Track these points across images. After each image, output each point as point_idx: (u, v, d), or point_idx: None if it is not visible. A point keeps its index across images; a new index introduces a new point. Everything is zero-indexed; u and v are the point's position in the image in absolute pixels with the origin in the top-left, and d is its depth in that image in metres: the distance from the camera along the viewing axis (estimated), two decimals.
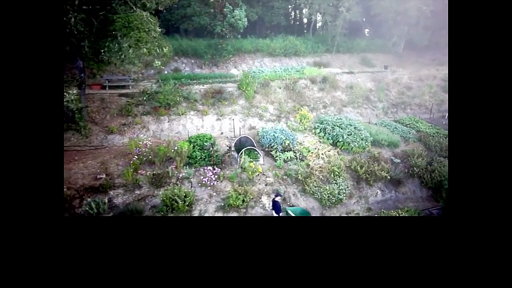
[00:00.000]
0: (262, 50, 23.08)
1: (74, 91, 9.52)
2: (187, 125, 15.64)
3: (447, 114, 18.82)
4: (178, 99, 16.01)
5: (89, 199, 9.35)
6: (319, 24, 28.31)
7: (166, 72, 19.92)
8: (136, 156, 11.13)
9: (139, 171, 11.08)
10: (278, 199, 9.84)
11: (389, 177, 12.21)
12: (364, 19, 23.91)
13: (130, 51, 10.77)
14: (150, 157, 11.50)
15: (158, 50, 11.53)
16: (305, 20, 31.58)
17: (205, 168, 11.32)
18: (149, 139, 12.99)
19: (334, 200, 11.26)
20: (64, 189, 9.79)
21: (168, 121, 15.51)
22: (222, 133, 15.71)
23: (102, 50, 11.15)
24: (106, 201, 9.45)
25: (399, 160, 13.42)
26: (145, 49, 10.89)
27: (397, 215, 9.76)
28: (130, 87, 16.92)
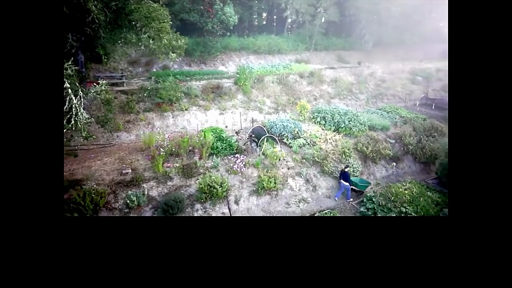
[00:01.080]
0: (248, 48, 23.67)
1: (104, 81, 9.12)
2: (191, 120, 15.58)
3: (418, 102, 21.49)
4: (179, 95, 15.88)
5: (129, 192, 9.03)
6: (294, 24, 29.80)
7: (154, 70, 19.45)
8: (162, 149, 10.96)
9: (164, 164, 10.92)
10: (347, 169, 11.45)
11: (391, 154, 13.75)
12: (339, 19, 25.86)
13: (151, 42, 10.62)
14: (173, 149, 11.40)
15: (174, 42, 11.51)
16: (275, 22, 32.86)
17: (232, 156, 11.59)
18: (166, 133, 12.78)
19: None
20: (94, 186, 9.33)
21: (173, 117, 15.29)
22: (226, 126, 15.96)
23: (119, 41, 10.80)
24: (146, 192, 9.22)
25: (393, 141, 15.10)
26: (165, 40, 10.82)
27: (399, 215, 9.88)
28: (125, 84, 16.26)
